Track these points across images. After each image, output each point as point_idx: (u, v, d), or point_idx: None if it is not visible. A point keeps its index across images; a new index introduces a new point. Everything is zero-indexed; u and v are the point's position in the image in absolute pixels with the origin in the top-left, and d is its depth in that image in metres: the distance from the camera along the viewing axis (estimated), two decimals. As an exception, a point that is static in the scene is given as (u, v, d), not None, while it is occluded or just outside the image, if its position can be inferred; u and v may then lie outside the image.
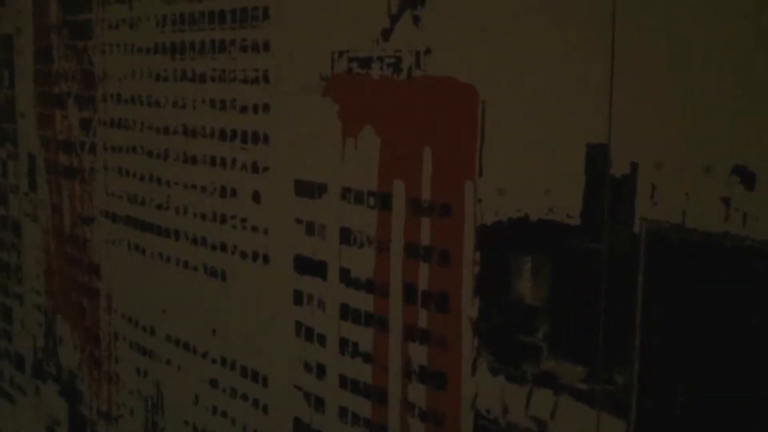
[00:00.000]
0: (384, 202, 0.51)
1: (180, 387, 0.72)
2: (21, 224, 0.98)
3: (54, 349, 0.93)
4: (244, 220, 0.63)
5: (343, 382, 0.55)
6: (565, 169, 0.41)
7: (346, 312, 0.55)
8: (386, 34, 0.50)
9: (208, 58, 0.64)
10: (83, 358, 0.87)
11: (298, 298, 0.59)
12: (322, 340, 0.57)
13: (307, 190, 0.57)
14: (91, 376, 0.86)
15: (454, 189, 0.46)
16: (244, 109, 0.61)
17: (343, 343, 0.55)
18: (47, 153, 0.90)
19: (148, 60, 0.72)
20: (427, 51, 0.47)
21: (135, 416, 0.79)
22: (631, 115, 0.38)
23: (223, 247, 0.65)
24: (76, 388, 0.89)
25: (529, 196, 0.42)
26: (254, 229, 0.62)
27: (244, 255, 0.63)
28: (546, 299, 0.42)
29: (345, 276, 0.54)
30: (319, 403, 0.58)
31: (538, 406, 0.43)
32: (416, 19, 0.47)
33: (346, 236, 0.54)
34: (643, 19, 0.37)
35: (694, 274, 0.36)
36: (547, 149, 0.41)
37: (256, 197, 0.61)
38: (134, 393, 0.79)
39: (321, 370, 0.57)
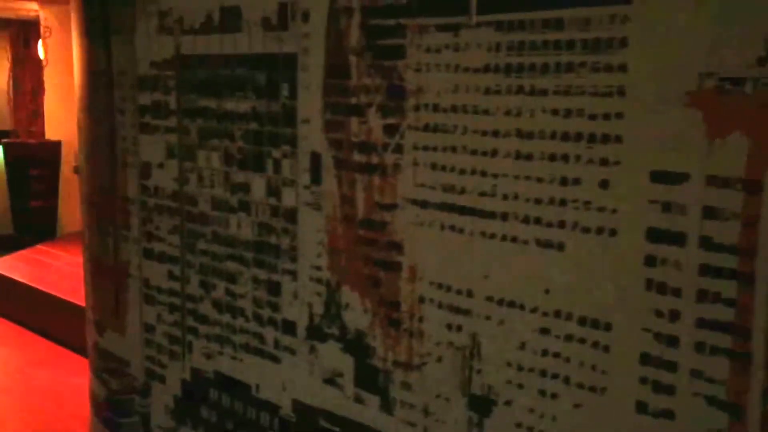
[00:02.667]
0: (752, 187, 0.65)
1: (501, 336, 0.87)
2: (297, 212, 1.12)
3: (337, 314, 1.08)
4: (587, 203, 0.77)
5: (701, 322, 0.70)
6: None
7: (706, 270, 0.69)
8: (762, 62, 0.63)
9: (551, 76, 0.78)
10: (376, 319, 1.02)
11: (649, 261, 0.73)
12: (676, 292, 0.71)
13: (665, 178, 0.71)
14: (386, 334, 1.01)
15: (832, 175, 0.60)
16: (593, 116, 0.75)
17: (702, 293, 0.69)
18: (337, 152, 1.04)
19: (476, 77, 0.85)
20: (808, 74, 0.61)
21: (443, 363, 0.94)
22: None
23: (561, 225, 0.79)
24: (366, 344, 1.03)
25: None
26: (600, 209, 0.76)
27: (586, 230, 0.77)
28: None
29: (705, 242, 0.69)
30: (671, 340, 0.72)
31: None
32: (797, 51, 0.61)
33: (709, 213, 0.68)
34: None
35: None
36: None
37: (603, 184, 0.76)
38: (442, 344, 0.93)
39: (674, 315, 0.71)
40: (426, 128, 0.92)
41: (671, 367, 0.72)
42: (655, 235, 0.72)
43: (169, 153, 1.36)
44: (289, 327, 1.17)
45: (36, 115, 5.82)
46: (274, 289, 1.18)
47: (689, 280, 0.70)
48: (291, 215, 1.14)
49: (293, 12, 1.08)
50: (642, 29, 0.71)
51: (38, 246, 5.17)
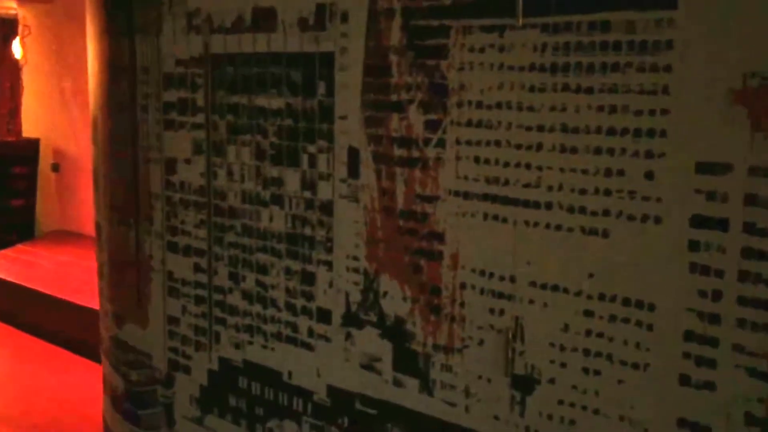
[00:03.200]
0: (793, 175, 0.71)
1: (545, 319, 0.92)
2: (333, 205, 1.16)
3: (375, 302, 1.12)
4: (632, 192, 0.82)
5: (742, 301, 0.75)
6: None
7: (749, 253, 0.75)
8: (804, 62, 0.69)
9: (597, 75, 0.84)
10: (416, 306, 1.06)
11: (693, 246, 0.78)
12: (719, 273, 0.77)
13: (710, 168, 0.76)
14: (425, 320, 1.05)
15: None
16: (638, 112, 0.81)
17: (743, 274, 0.75)
18: (377, 147, 1.08)
19: (521, 76, 0.90)
20: None
21: (484, 346, 0.99)
22: None
23: (606, 213, 0.85)
24: (405, 330, 1.08)
25: None
26: (645, 198, 0.82)
27: (631, 218, 0.83)
28: None
29: (749, 228, 0.74)
30: (713, 318, 0.78)
31: None
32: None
33: (751, 200, 0.74)
34: None
35: None
36: None
37: (648, 175, 0.81)
38: (484, 328, 0.98)
39: (717, 295, 0.77)
40: (469, 124, 0.97)
41: (714, 342, 0.78)
42: (698, 222, 0.78)
43: (196, 149, 1.39)
44: (324, 315, 1.21)
45: (14, 113, 5.76)
46: (309, 279, 1.22)
47: (732, 263, 0.76)
48: (327, 208, 1.18)
49: (332, 12, 1.12)
50: (687, 32, 0.77)
51: (18, 246, 5.12)
